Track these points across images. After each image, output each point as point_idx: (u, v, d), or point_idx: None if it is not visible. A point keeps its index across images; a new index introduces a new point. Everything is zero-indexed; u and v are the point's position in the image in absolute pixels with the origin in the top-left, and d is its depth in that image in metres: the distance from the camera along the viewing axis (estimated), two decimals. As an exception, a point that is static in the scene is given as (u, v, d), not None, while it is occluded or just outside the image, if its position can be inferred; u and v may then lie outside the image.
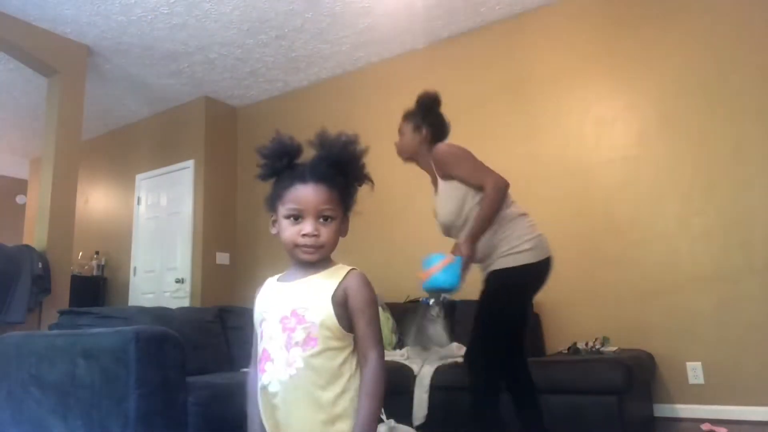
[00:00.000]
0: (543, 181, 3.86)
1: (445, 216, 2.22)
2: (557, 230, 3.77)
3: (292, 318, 1.10)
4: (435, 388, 3.00)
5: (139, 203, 5.85)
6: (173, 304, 3.76)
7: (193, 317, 3.00)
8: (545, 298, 3.67)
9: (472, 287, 3.96)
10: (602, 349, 3.22)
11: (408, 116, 2.35)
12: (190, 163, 5.45)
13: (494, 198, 2.10)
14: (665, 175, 3.46)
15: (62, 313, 2.75)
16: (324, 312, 1.10)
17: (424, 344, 2.17)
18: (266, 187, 1.24)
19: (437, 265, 1.99)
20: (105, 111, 5.74)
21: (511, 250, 2.09)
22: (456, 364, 3.21)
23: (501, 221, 2.13)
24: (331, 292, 1.11)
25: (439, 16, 4.20)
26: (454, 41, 4.46)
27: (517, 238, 2.11)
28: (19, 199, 7.35)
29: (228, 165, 5.60)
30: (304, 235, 1.12)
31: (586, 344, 3.29)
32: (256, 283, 1.30)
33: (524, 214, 2.21)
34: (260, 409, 1.12)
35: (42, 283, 3.91)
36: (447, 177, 2.20)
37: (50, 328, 2.68)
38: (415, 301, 3.96)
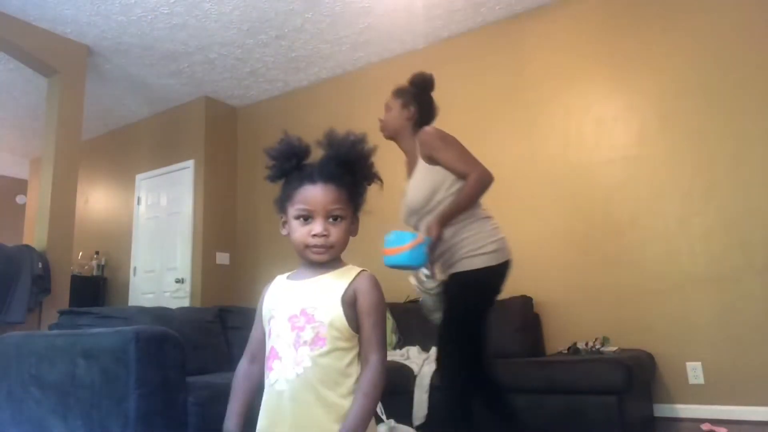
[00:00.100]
0: (543, 181, 3.86)
1: (414, 200, 2.16)
2: (557, 230, 3.79)
3: (302, 317, 1.10)
4: (435, 388, 3.00)
5: (139, 203, 5.85)
6: (173, 304, 3.76)
7: (193, 317, 3.00)
8: (545, 298, 3.69)
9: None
10: (602, 349, 3.22)
11: (398, 92, 2.31)
12: (190, 163, 5.45)
13: (476, 188, 2.06)
14: (665, 175, 3.46)
15: (62, 313, 2.75)
16: (333, 312, 1.10)
17: (425, 313, 2.15)
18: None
19: (409, 243, 1.94)
20: (105, 111, 5.74)
21: (476, 251, 2.05)
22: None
23: (466, 220, 2.09)
24: (341, 293, 1.12)
25: (439, 16, 4.20)
26: (454, 41, 4.46)
27: (482, 239, 2.07)
28: (19, 199, 7.35)
29: (228, 165, 5.60)
30: (314, 235, 1.12)
31: (586, 344, 3.29)
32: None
33: (490, 217, 2.17)
34: (263, 406, 1.12)
35: (42, 283, 3.91)
36: (430, 160, 2.15)
37: (50, 328, 2.68)
38: (415, 301, 3.96)
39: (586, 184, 3.70)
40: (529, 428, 2.19)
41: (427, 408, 2.96)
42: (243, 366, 1.21)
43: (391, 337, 3.75)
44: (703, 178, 3.35)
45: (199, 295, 5.06)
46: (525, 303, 3.57)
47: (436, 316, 2.11)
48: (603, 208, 3.62)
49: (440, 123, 4.63)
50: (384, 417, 2.23)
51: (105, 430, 1.89)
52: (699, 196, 3.34)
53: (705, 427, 2.91)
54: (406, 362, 3.26)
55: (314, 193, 1.13)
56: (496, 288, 2.12)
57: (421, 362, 3.23)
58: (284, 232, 1.19)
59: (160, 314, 2.80)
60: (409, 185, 2.23)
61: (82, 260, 5.85)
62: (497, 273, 2.09)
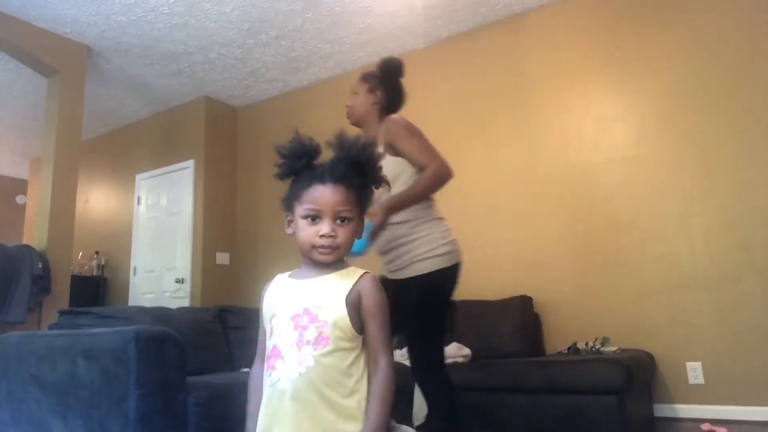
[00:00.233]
0: (543, 180, 3.86)
1: None
2: (557, 230, 3.79)
3: (305, 316, 1.10)
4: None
5: (139, 203, 5.85)
6: (173, 304, 3.76)
7: (193, 317, 3.00)
8: (545, 298, 3.69)
9: (475, 288, 3.95)
10: (602, 349, 3.22)
11: (365, 77, 2.24)
12: (190, 163, 5.45)
13: (432, 180, 1.99)
14: (665, 175, 3.46)
15: (62, 313, 2.75)
16: (337, 312, 1.10)
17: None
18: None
19: None
20: (105, 111, 5.74)
21: (429, 253, 1.99)
22: (456, 364, 3.21)
23: (419, 219, 2.02)
24: (346, 293, 1.12)
25: (439, 16, 4.20)
26: (454, 41, 4.46)
27: (434, 240, 2.01)
28: (19, 199, 7.35)
29: (228, 165, 5.60)
30: (321, 236, 1.12)
31: (586, 344, 3.29)
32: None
33: (442, 218, 2.11)
34: (263, 405, 1.12)
35: (42, 283, 3.91)
36: (392, 151, 2.07)
37: (50, 328, 2.68)
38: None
39: (586, 184, 3.70)
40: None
41: (428, 408, 2.96)
42: (256, 368, 1.21)
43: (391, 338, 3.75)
44: (703, 178, 3.35)
45: (199, 295, 5.06)
46: (525, 303, 3.58)
47: None
48: (603, 208, 3.62)
49: (441, 123, 4.64)
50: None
51: (105, 430, 1.89)
52: (699, 196, 3.34)
53: (705, 427, 2.91)
54: (406, 362, 3.25)
55: (324, 194, 1.13)
56: (451, 290, 2.07)
57: (421, 362, 3.23)
58: (289, 230, 1.19)
59: (160, 314, 2.80)
60: None
61: (82, 260, 5.85)
62: (451, 275, 2.04)
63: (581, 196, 3.71)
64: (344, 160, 1.15)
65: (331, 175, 1.13)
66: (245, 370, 2.46)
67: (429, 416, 2.07)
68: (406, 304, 1.94)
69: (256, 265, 5.19)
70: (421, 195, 2.00)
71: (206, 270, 5.17)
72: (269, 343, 1.14)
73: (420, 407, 2.98)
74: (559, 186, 3.79)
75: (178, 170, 5.54)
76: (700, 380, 3.17)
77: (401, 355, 3.41)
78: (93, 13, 4.09)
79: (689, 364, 3.21)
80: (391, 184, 1.96)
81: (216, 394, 2.11)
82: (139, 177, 5.91)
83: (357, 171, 1.15)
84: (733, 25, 3.37)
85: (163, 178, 5.69)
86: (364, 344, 1.14)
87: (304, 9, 4.08)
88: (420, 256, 2.00)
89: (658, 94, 3.56)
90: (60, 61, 4.38)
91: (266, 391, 1.12)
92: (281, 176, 1.19)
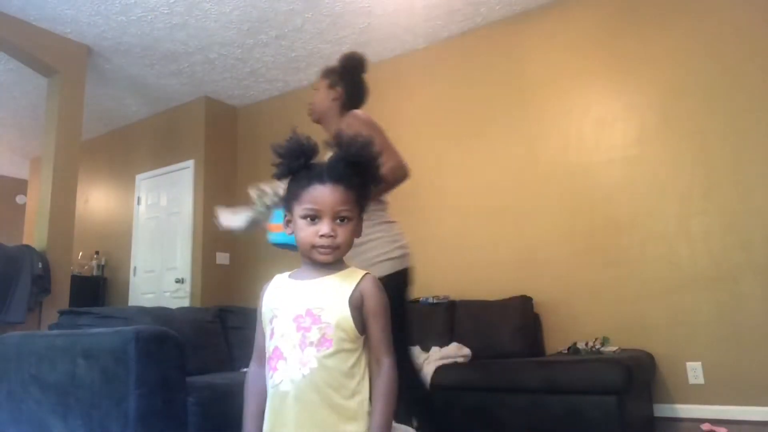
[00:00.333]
0: (543, 181, 3.86)
1: None
2: (557, 230, 3.79)
3: (307, 317, 1.10)
4: (435, 388, 3.00)
5: (139, 203, 5.85)
6: (173, 304, 3.76)
7: (193, 317, 3.00)
8: (545, 298, 3.69)
9: (475, 288, 3.94)
10: (602, 349, 3.22)
11: (325, 72, 2.20)
12: (190, 163, 5.45)
13: (388, 177, 1.89)
14: (665, 175, 3.46)
15: (62, 313, 2.75)
16: (340, 313, 1.10)
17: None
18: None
19: None
20: (105, 111, 5.74)
21: (384, 255, 1.96)
22: (456, 364, 3.21)
23: (373, 221, 1.97)
24: (348, 295, 1.11)
25: (439, 16, 4.20)
26: (454, 41, 4.46)
27: (389, 243, 1.98)
28: (19, 199, 7.35)
29: (228, 165, 5.60)
30: (321, 235, 1.12)
31: (586, 344, 3.29)
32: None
33: (395, 221, 2.08)
34: (267, 407, 1.11)
35: (42, 283, 3.91)
36: None
37: (50, 328, 2.69)
38: (415, 301, 3.96)
39: (586, 184, 3.70)
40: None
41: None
42: (253, 370, 1.21)
43: (391, 337, 3.75)
44: (703, 178, 3.34)
45: (199, 295, 5.06)
46: (525, 303, 3.58)
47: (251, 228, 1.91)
48: (603, 208, 3.62)
49: (441, 123, 4.63)
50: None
51: (105, 430, 1.89)
52: (699, 196, 3.34)
53: (705, 427, 2.91)
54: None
55: (323, 193, 1.12)
56: (407, 291, 2.04)
57: (422, 362, 3.23)
58: (288, 231, 1.19)
59: (160, 314, 2.81)
60: None
61: (82, 260, 5.85)
62: (405, 278, 2.02)
63: (581, 196, 3.70)
64: (343, 160, 1.14)
65: (330, 175, 1.13)
66: (245, 370, 2.46)
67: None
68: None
69: (256, 265, 5.19)
70: (376, 193, 1.94)
71: (206, 270, 5.17)
72: (270, 345, 1.13)
73: (420, 407, 2.98)
74: (560, 186, 3.79)
75: (178, 170, 5.54)
76: (700, 380, 3.17)
77: (401, 355, 3.42)
78: (93, 13, 4.09)
79: (689, 364, 3.21)
80: None
81: (216, 394, 2.11)
82: (139, 177, 5.91)
83: (356, 170, 1.15)
84: (733, 25, 3.37)
85: (163, 178, 5.69)
86: (365, 345, 1.13)
87: (304, 9, 4.08)
88: (375, 259, 1.96)
89: (658, 94, 3.56)
90: (60, 61, 4.38)
91: (269, 393, 1.12)
92: (278, 176, 1.19)
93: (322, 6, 4.04)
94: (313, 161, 1.17)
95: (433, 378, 3.04)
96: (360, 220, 1.19)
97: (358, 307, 1.11)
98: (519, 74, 4.11)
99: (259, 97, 5.51)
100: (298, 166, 1.16)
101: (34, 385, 2.17)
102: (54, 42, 4.33)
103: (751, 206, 3.18)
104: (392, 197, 2.15)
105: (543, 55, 4.02)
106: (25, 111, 5.72)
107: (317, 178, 1.13)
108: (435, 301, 3.86)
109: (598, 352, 3.18)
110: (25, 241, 5.17)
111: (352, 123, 2.02)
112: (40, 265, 3.92)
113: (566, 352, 3.34)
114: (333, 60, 2.08)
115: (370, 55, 4.72)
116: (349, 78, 2.17)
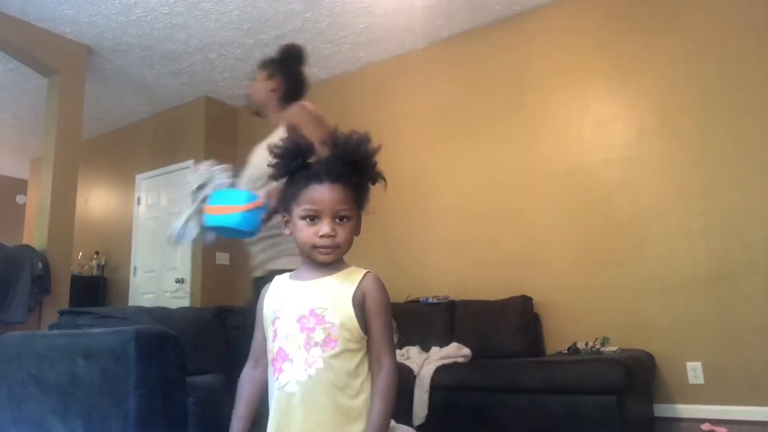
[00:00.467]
0: (543, 180, 3.87)
1: (258, 170, 1.91)
2: (557, 230, 3.79)
3: (311, 318, 1.09)
4: (435, 388, 3.00)
5: (139, 203, 5.85)
6: (173, 304, 3.75)
7: (193, 317, 3.00)
8: (545, 298, 3.68)
9: (475, 288, 3.94)
10: (602, 349, 3.22)
11: (263, 63, 2.17)
12: (190, 163, 5.45)
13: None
14: (665, 175, 3.46)
15: (62, 313, 2.75)
16: (344, 313, 1.09)
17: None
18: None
19: (245, 205, 1.63)
20: (105, 111, 5.74)
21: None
22: (456, 364, 3.21)
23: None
24: (351, 294, 1.11)
25: (439, 16, 4.20)
26: (454, 41, 4.46)
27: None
28: (19, 199, 7.35)
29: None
30: (321, 236, 1.11)
31: (586, 344, 3.29)
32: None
33: None
34: (272, 408, 1.11)
35: (42, 283, 3.91)
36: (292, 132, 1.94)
37: (50, 328, 2.68)
38: (415, 301, 3.97)
39: (586, 185, 3.70)
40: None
41: (428, 408, 2.96)
42: (247, 371, 1.20)
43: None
44: (703, 178, 3.35)
45: (199, 295, 5.06)
46: (525, 303, 3.58)
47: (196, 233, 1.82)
48: (603, 208, 3.62)
49: (441, 123, 4.63)
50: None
51: (105, 430, 1.89)
52: (699, 196, 3.34)
53: (705, 427, 2.91)
54: (406, 362, 3.26)
55: (322, 193, 1.12)
56: None
57: (422, 362, 3.24)
58: (287, 231, 1.18)
59: (160, 314, 2.80)
60: (256, 152, 2.02)
61: (82, 260, 5.85)
62: None
63: (581, 196, 3.70)
64: (340, 158, 1.14)
65: (327, 174, 1.12)
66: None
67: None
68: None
69: (256, 265, 5.19)
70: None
71: (206, 270, 5.17)
72: (273, 346, 1.12)
73: (420, 407, 2.99)
74: (559, 186, 3.79)
75: (178, 170, 5.54)
76: (700, 380, 3.17)
77: (401, 356, 3.42)
78: (93, 13, 4.09)
79: (689, 364, 3.21)
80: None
81: (216, 394, 2.11)
82: (139, 177, 5.91)
83: (353, 168, 1.14)
84: (733, 25, 3.37)
85: (163, 178, 5.69)
86: (368, 344, 1.13)
87: (304, 9, 4.08)
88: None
89: (658, 94, 3.56)
90: (60, 61, 4.38)
91: (274, 394, 1.11)
92: (276, 176, 1.18)
93: (322, 6, 4.04)
94: (309, 161, 1.16)
95: (433, 378, 3.04)
96: (359, 218, 1.18)
97: (360, 306, 1.11)
98: (519, 74, 4.11)
99: (259, 97, 5.51)
100: (295, 166, 1.15)
101: (34, 385, 2.17)
102: (54, 42, 4.33)
103: (751, 206, 3.18)
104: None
105: (543, 55, 4.02)
106: (25, 111, 5.72)
107: (315, 177, 1.13)
108: (435, 301, 3.86)
109: (598, 352, 3.18)
110: (25, 241, 5.17)
111: (299, 112, 1.96)
112: (40, 265, 3.92)
113: (566, 352, 3.34)
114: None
115: (371, 55, 4.77)
116: (288, 70, 2.13)
